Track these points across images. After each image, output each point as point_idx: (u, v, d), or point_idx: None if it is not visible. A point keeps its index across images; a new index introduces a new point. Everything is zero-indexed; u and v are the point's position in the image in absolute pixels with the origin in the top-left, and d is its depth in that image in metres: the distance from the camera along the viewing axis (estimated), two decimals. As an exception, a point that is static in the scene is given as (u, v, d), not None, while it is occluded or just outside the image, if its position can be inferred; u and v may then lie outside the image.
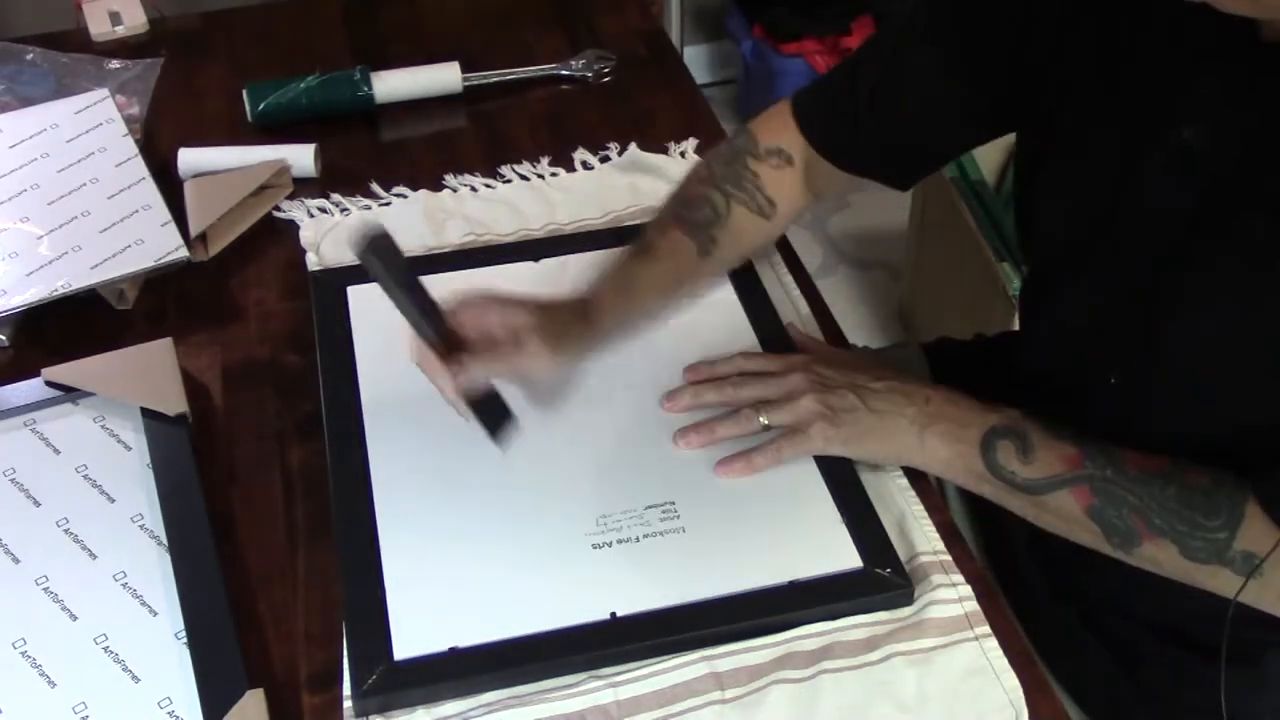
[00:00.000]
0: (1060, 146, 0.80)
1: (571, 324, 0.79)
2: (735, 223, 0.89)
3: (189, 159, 1.06)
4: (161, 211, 0.98)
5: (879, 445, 0.79)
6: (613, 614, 0.71)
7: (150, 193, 1.00)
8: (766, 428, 0.81)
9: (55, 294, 0.91)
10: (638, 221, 1.01)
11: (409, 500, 0.77)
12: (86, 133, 1.07)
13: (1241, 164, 0.69)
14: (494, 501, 0.78)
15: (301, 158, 1.06)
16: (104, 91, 1.11)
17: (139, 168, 1.03)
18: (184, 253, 0.95)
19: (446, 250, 0.98)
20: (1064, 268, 0.83)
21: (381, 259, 0.70)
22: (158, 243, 0.95)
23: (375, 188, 1.05)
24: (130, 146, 1.05)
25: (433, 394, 0.83)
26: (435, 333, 0.73)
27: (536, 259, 0.96)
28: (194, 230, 0.97)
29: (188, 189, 1.00)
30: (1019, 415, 0.77)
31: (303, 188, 1.06)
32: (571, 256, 0.96)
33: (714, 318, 0.91)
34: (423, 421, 0.82)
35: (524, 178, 1.07)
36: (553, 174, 1.07)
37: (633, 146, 1.09)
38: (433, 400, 0.83)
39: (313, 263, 0.97)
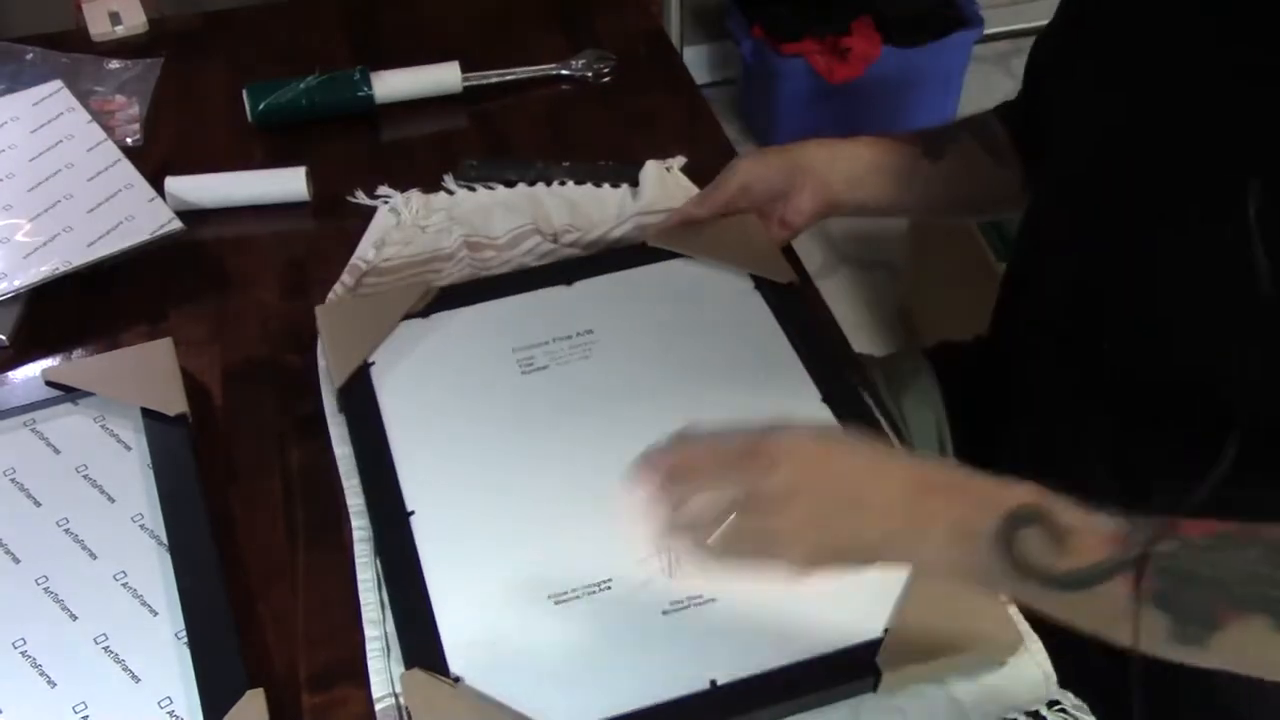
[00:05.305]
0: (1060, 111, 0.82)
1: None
2: (1010, 146, 0.94)
3: (176, 188, 1.02)
4: (145, 189, 0.98)
5: (859, 565, 0.61)
6: (712, 682, 0.65)
7: (130, 173, 1.00)
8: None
9: (59, 272, 0.91)
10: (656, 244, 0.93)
11: (462, 567, 0.71)
12: (49, 123, 1.07)
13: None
14: (555, 562, 0.71)
15: (292, 182, 1.03)
16: (58, 83, 1.11)
17: (112, 150, 1.03)
18: (177, 224, 0.95)
19: (462, 280, 0.93)
20: (1055, 236, 0.84)
21: None
22: (149, 218, 0.96)
23: (370, 189, 1.05)
24: (98, 132, 1.05)
25: (469, 439, 0.78)
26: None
27: (570, 282, 0.90)
28: (336, 369, 0.83)
29: (320, 317, 0.88)
30: (1039, 489, 0.59)
31: (293, 211, 1.04)
32: (605, 277, 0.90)
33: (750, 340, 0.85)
34: (467, 482, 0.76)
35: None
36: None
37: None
38: (470, 447, 0.77)
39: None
